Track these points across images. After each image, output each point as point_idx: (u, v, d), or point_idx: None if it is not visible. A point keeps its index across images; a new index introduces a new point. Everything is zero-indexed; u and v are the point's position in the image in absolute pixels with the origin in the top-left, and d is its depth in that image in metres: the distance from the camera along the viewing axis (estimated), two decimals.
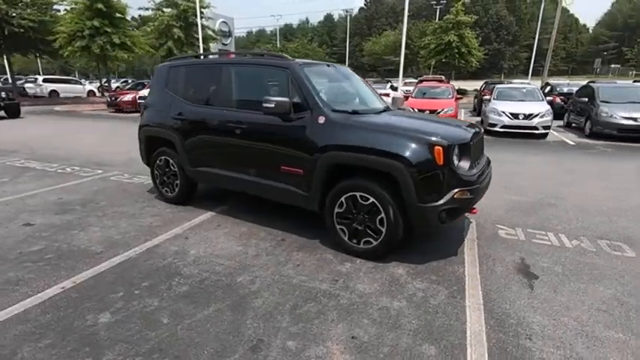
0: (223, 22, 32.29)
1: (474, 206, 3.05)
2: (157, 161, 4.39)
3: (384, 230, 2.92)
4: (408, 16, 19.50)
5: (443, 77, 16.82)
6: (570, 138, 10.19)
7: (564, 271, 2.95)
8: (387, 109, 3.81)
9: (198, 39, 21.70)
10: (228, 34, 32.69)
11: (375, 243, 3.00)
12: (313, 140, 3.10)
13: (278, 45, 40.50)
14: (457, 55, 25.17)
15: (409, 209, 2.80)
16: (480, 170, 3.10)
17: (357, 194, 2.98)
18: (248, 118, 3.50)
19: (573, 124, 11.87)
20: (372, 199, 2.91)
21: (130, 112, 16.12)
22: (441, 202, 2.76)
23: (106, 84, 24.82)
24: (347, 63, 37.33)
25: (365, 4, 69.69)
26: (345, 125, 3.05)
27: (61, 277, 2.76)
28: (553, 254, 3.23)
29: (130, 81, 33.58)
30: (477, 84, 27.93)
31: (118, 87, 25.56)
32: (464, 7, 25.28)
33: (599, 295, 2.61)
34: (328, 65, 3.95)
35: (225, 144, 3.70)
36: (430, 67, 28.02)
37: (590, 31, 78.30)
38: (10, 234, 3.53)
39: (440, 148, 2.72)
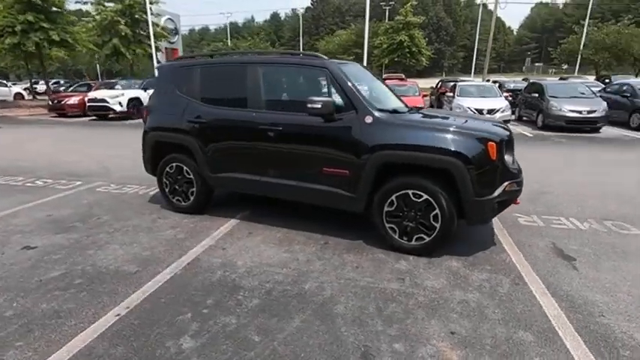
0: (169, 19, 30.64)
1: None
2: (167, 169, 4.06)
3: (438, 226, 2.99)
4: (359, 16, 20.04)
5: (403, 75, 17.46)
6: (526, 130, 11.16)
7: (593, 251, 3.24)
8: (411, 109, 3.89)
9: (146, 36, 20.34)
10: (174, 32, 31.06)
11: (427, 239, 3.06)
12: (361, 140, 3.08)
13: (229, 43, 39.26)
14: (408, 55, 26.34)
15: (465, 203, 2.90)
16: (517, 164, 3.30)
17: (410, 192, 3.01)
18: (283, 120, 3.38)
19: (524, 118, 13.00)
20: (425, 196, 2.97)
21: (76, 117, 14.68)
22: (495, 194, 2.90)
23: (35, 85, 22.27)
24: None
25: (312, 4, 70.22)
26: (394, 124, 3.07)
27: (106, 303, 2.46)
28: (575, 237, 3.54)
29: (61, 82, 30.42)
30: (423, 82, 29.47)
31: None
32: (412, 8, 26.50)
33: (634, 271, 2.91)
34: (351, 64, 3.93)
35: (255, 147, 3.53)
36: (382, 66, 28.98)
37: (515, 32, 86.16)
38: (11, 260, 3.06)
39: (493, 143, 2.85)
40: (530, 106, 12.45)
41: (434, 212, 2.97)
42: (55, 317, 2.31)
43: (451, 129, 2.96)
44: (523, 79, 27.38)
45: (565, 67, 48.50)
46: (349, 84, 3.19)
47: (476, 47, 30.37)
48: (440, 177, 2.95)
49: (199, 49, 58.04)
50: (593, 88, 12.49)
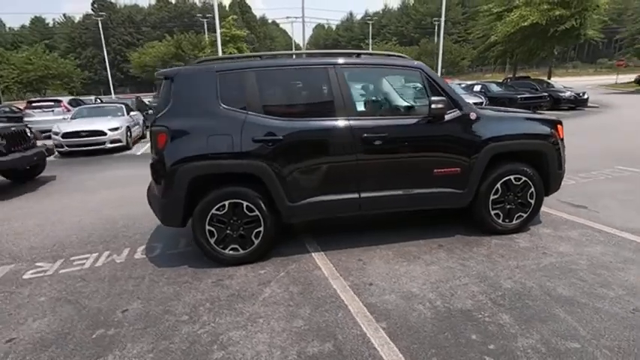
0: None
1: None
2: (215, 211, 2.95)
3: (533, 202, 3.43)
4: (160, 26, 18.82)
5: None
6: None
7: (583, 198, 4.38)
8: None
9: None
10: None
11: (525, 216, 3.47)
12: (472, 136, 3.17)
13: None
14: None
15: (551, 177, 3.44)
16: None
17: (512, 177, 3.33)
18: (388, 125, 3.07)
19: None
20: (524, 179, 3.35)
21: None
22: (564, 167, 3.57)
23: None
24: (110, 75, 31.07)
25: (93, 11, 59.61)
26: (494, 117, 3.32)
27: None
28: (560, 192, 4.65)
29: None
30: None
31: None
32: (234, 22, 26.71)
33: (627, 205, 4.14)
34: None
35: (355, 160, 3.05)
36: None
37: (305, 49, 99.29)
38: None
39: (560, 125, 3.51)
40: None
41: (530, 191, 3.40)
42: None
43: (534, 118, 3.47)
44: None
45: None
46: (445, 84, 3.23)
47: None
48: (529, 159, 3.40)
49: None
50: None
